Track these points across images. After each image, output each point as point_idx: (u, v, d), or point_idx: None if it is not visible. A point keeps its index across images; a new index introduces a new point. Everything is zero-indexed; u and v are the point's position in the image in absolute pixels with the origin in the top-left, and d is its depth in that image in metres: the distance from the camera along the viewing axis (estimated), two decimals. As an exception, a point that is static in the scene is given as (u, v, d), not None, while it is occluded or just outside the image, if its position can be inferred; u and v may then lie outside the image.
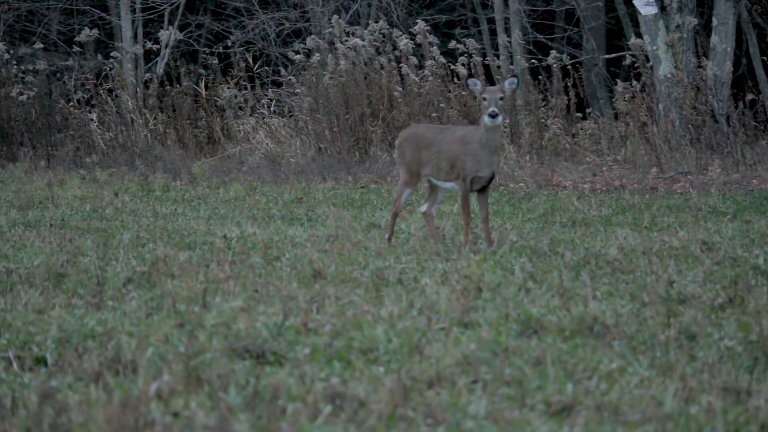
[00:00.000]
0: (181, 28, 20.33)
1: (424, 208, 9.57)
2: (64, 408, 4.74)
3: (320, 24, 19.53)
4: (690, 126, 16.30)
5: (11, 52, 19.17)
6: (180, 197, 13.34)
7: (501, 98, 9.01)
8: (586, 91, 19.30)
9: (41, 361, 5.76)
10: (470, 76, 17.16)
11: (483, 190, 9.23)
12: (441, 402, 5.02)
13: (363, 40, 17.49)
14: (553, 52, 17.51)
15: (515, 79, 9.20)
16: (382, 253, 8.67)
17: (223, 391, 5.13)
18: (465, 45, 17.35)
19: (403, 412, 4.89)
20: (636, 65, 16.88)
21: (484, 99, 9.03)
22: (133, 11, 20.15)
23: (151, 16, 20.75)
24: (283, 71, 18.97)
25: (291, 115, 18.34)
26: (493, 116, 8.95)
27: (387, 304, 6.77)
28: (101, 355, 5.66)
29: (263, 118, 18.46)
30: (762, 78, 17.83)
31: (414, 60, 17.31)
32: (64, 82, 19.37)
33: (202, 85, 19.37)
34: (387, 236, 9.47)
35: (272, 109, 18.75)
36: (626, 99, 16.68)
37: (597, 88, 20.09)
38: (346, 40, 17.64)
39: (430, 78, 17.11)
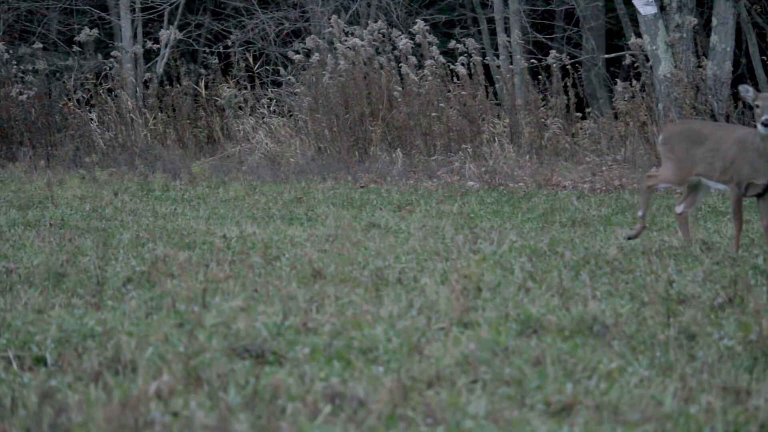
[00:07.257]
0: (180, 28, 20.32)
1: (680, 208, 9.17)
2: (64, 408, 4.74)
3: (320, 24, 19.53)
4: (690, 126, 16.29)
5: (11, 52, 19.16)
6: (180, 197, 13.33)
7: None
8: (585, 90, 19.30)
9: (41, 361, 5.75)
10: (470, 76, 17.17)
11: (762, 195, 8.81)
12: (441, 402, 5.02)
13: (362, 39, 17.48)
14: (553, 52, 17.50)
15: None
16: (381, 253, 8.67)
17: (223, 390, 5.13)
18: (465, 45, 17.34)
19: (402, 412, 4.89)
20: (636, 65, 16.88)
21: (757, 106, 8.60)
22: (133, 11, 20.15)
23: (151, 16, 20.75)
24: (282, 71, 18.97)
25: (291, 115, 18.33)
26: (766, 125, 8.51)
27: (387, 304, 6.77)
28: (101, 355, 5.66)
29: (263, 117, 18.46)
30: (762, 78, 17.83)
31: (413, 60, 17.31)
32: (64, 82, 19.36)
33: (202, 84, 19.36)
34: (641, 214, 9.15)
35: (272, 108, 18.74)
36: (626, 99, 16.67)
37: (597, 87, 20.09)
38: (346, 40, 17.64)
39: (430, 78, 17.10)
